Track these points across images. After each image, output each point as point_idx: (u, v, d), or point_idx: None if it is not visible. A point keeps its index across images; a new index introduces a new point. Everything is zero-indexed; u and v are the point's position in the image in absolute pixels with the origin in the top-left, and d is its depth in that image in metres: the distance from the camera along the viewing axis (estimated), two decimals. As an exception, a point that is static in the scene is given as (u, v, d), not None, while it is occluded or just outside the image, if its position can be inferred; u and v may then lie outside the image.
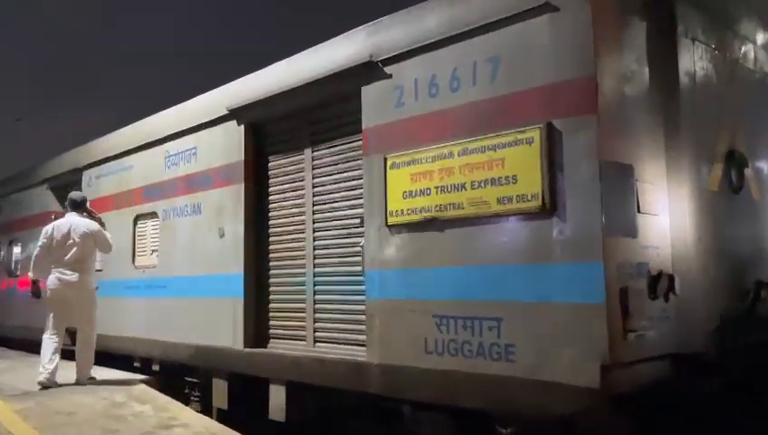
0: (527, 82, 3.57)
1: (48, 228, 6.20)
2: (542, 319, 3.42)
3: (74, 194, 6.51)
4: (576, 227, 3.31)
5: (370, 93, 4.48)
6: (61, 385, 6.00)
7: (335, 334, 4.88)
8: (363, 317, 4.56)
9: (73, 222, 6.17)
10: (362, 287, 4.57)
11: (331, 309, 4.93)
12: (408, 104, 4.21)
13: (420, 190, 4.07)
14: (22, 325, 9.55)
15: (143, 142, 7.02)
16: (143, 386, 6.05)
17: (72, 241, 6.06)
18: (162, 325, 6.47)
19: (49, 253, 6.09)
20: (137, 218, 7.10)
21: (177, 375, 6.48)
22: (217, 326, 5.71)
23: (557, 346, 3.35)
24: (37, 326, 6.74)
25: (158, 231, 6.74)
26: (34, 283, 6.33)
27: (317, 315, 5.04)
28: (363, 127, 4.53)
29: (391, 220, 4.23)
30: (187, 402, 6.36)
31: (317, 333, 5.02)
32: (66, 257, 6.02)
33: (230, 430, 4.74)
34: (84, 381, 6.17)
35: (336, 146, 4.99)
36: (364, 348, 4.52)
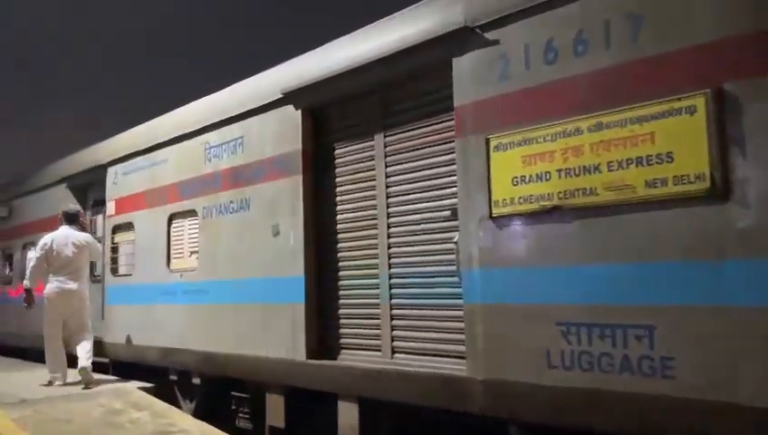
0: (685, 39, 2.94)
1: (46, 240, 6.46)
2: (713, 327, 2.79)
3: (69, 208, 6.84)
4: (763, 214, 2.69)
5: (465, 65, 3.86)
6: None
7: (419, 344, 4.26)
8: (458, 325, 3.94)
9: (70, 234, 6.52)
10: (456, 290, 3.95)
11: (412, 315, 4.31)
12: (516, 75, 3.59)
13: (536, 175, 3.45)
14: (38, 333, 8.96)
15: (179, 134, 6.39)
16: (141, 393, 5.95)
17: (70, 252, 6.40)
18: (204, 334, 5.85)
19: (45, 263, 6.38)
20: (172, 217, 6.48)
21: (222, 390, 5.86)
22: (272, 335, 5.09)
23: (735, 359, 2.73)
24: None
25: (197, 231, 6.11)
26: (28, 291, 6.54)
27: (395, 323, 4.41)
28: (456, 104, 3.91)
29: (497, 211, 3.60)
30: (233, 419, 5.75)
31: (396, 343, 4.40)
32: (66, 268, 6.37)
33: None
34: (93, 382, 6.30)
35: (416, 129, 4.37)
36: (461, 360, 3.90)
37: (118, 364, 7.34)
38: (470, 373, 3.71)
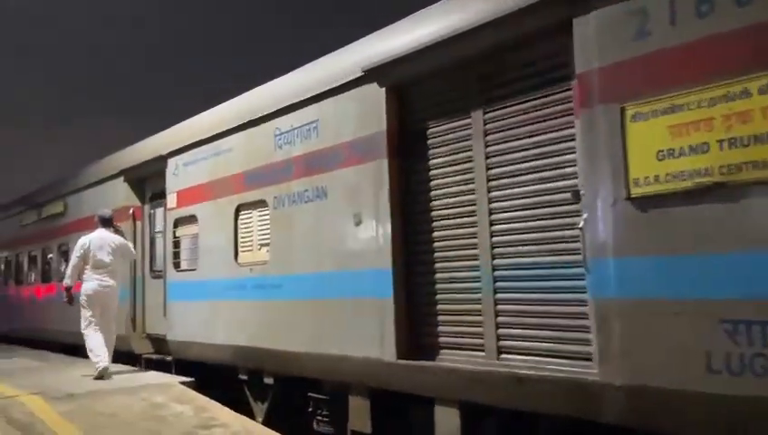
0: None
1: (84, 241, 6.98)
2: None
3: (103, 212, 7.37)
4: None
5: (590, 25, 3.37)
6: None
7: (530, 344, 3.80)
8: (581, 322, 3.47)
9: (106, 236, 7.09)
10: (578, 283, 3.48)
11: (521, 311, 3.85)
12: (658, 32, 3.09)
13: (690, 147, 2.94)
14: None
15: (245, 120, 6.05)
16: (182, 387, 6.00)
17: (106, 254, 6.96)
18: (277, 332, 5.51)
19: (83, 263, 6.92)
20: (239, 209, 6.15)
21: (298, 391, 5.51)
22: (356, 333, 4.70)
23: None
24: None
25: (268, 222, 5.76)
26: (68, 289, 7.02)
27: (501, 319, 3.96)
28: (578, 71, 3.42)
29: (638, 191, 3.11)
30: (310, 422, 5.39)
31: (502, 342, 3.94)
32: (103, 267, 6.92)
33: (269, 429, 4.78)
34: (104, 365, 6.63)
35: (523, 103, 3.89)
36: (586, 363, 3.43)
37: (181, 363, 7.08)
38: (604, 378, 3.23)
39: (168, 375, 6.77)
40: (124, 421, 4.83)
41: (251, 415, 5.99)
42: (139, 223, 8.13)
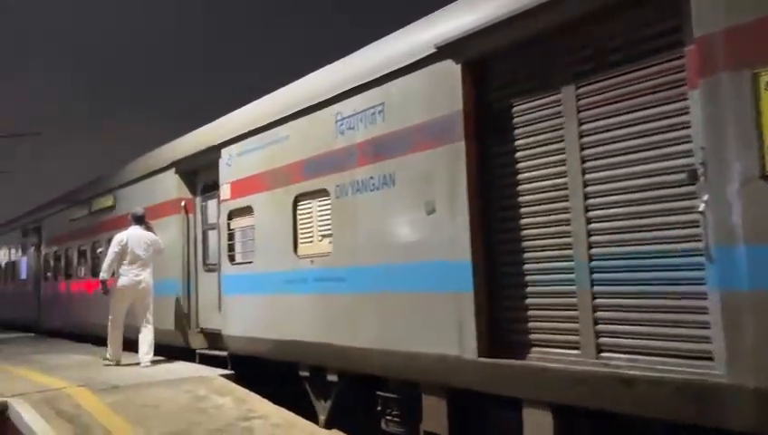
0: None
1: (121, 238, 7.45)
2: None
3: (136, 210, 7.89)
4: None
5: (712, -18, 2.97)
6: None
7: (637, 341, 3.44)
8: (698, 317, 3.11)
9: (141, 233, 7.59)
10: (697, 273, 3.11)
11: (625, 305, 3.49)
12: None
13: None
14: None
15: (303, 107, 5.79)
16: (223, 380, 6.07)
17: (142, 249, 7.42)
18: (341, 327, 5.25)
19: (120, 258, 7.33)
20: (297, 199, 5.91)
21: (364, 389, 5.25)
22: (432, 329, 4.40)
23: None
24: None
25: (329, 212, 5.50)
26: (104, 282, 7.52)
27: (599, 314, 3.60)
28: (696, 34, 3.03)
29: (775, 168, 2.72)
30: (378, 421, 5.12)
31: (602, 339, 3.59)
32: (139, 261, 7.37)
33: (308, 422, 4.84)
34: (148, 362, 7.19)
35: (623, 74, 3.51)
36: (707, 362, 3.07)
37: (237, 358, 6.90)
38: (733, 379, 2.86)
39: (208, 368, 6.80)
40: (168, 413, 4.91)
41: (313, 413, 5.78)
42: (190, 216, 7.98)
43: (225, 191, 7.05)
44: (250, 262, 6.59)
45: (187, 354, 7.84)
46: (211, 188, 7.71)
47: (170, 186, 8.26)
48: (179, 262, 7.99)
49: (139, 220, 7.72)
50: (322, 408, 5.75)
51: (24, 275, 15.75)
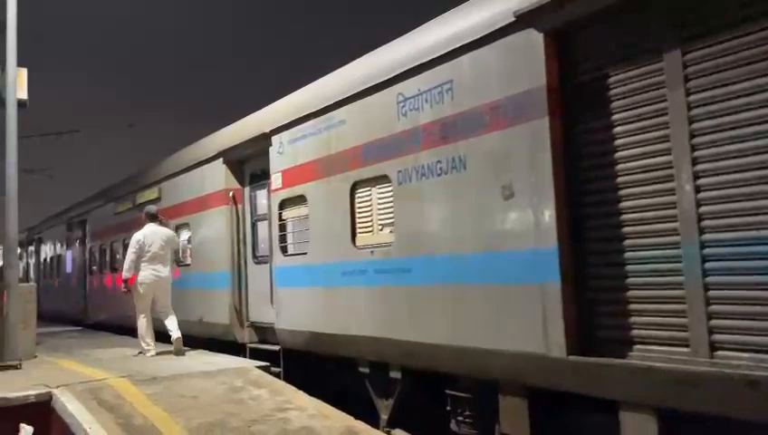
0: None
1: (139, 237, 7.61)
2: None
3: (149, 209, 8.13)
4: None
5: None
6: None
7: (761, 338, 3.02)
8: None
9: (157, 230, 7.75)
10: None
11: (747, 298, 3.08)
12: None
13: None
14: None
15: (361, 89, 5.48)
16: (259, 371, 6.12)
17: (159, 246, 7.60)
18: (405, 321, 4.95)
19: (139, 257, 7.53)
20: (355, 186, 5.61)
21: (431, 386, 4.94)
22: (508, 324, 4.06)
23: None
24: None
25: (390, 199, 5.19)
26: (126, 281, 7.66)
27: (714, 308, 3.20)
28: None
29: None
30: (447, 421, 4.80)
31: (717, 336, 3.19)
32: (157, 258, 7.59)
33: (343, 413, 4.77)
34: (183, 351, 7.46)
35: (741, 36, 3.08)
36: None
37: (290, 354, 6.65)
38: None
39: (244, 359, 6.88)
40: (206, 403, 4.99)
41: (373, 411, 5.50)
42: (239, 207, 7.77)
43: (276, 180, 6.81)
44: (304, 253, 6.33)
45: (236, 349, 7.65)
46: (260, 177, 7.49)
47: (218, 176, 8.07)
48: (228, 254, 7.80)
49: (153, 217, 7.92)
50: (384, 406, 5.46)
51: (69, 269, 15.80)
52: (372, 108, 5.36)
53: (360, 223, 5.60)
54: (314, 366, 6.67)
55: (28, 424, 4.70)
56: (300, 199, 6.41)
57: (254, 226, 7.68)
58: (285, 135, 6.61)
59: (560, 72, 3.89)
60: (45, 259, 18.53)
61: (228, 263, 7.80)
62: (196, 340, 8.35)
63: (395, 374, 5.25)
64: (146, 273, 7.52)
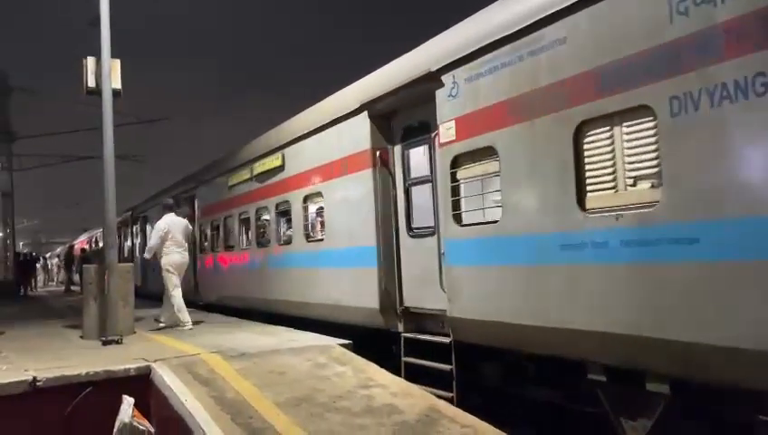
0: None
1: (163, 226, 8.52)
2: None
3: (167, 201, 9.19)
4: None
5: None
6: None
7: None
8: None
9: (176, 219, 8.76)
10: None
11: None
12: None
13: None
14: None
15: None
16: (341, 349, 6.14)
17: (182, 233, 8.67)
18: (680, 313, 3.45)
19: (163, 242, 8.48)
20: (582, 127, 4.08)
21: (723, 408, 3.39)
22: None
23: None
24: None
25: (652, 141, 3.63)
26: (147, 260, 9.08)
27: None
28: None
29: None
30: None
31: None
32: (180, 244, 8.62)
33: (425, 392, 4.82)
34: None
35: None
36: None
37: (467, 347, 5.30)
38: None
39: (324, 337, 6.84)
40: (292, 379, 5.13)
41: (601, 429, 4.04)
42: (387, 169, 6.45)
43: (446, 132, 5.40)
44: (493, 222, 4.90)
45: (380, 340, 6.41)
46: (417, 131, 6.12)
47: (360, 134, 6.78)
48: (374, 226, 6.50)
49: (171, 208, 8.90)
50: (633, 428, 3.96)
51: None
52: (617, 13, 3.79)
53: (590, 178, 4.08)
54: (499, 364, 5.32)
55: (129, 396, 4.84)
56: (485, 153, 4.98)
57: (407, 191, 6.34)
58: (461, 72, 5.16)
59: None
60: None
61: (374, 236, 6.50)
62: (331, 326, 7.20)
63: (656, 387, 3.74)
64: (173, 256, 8.50)
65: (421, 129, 5.99)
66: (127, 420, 4.61)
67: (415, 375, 5.72)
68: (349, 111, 6.94)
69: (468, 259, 5.17)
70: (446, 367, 5.49)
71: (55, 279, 38.23)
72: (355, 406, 4.43)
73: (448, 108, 5.35)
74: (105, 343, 7.06)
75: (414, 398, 4.63)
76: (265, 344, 6.58)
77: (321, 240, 7.86)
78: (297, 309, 8.39)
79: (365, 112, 6.63)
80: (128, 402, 4.74)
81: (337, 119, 7.27)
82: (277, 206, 9.24)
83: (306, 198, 8.26)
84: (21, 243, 45.19)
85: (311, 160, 8.04)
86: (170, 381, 5.05)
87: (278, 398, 4.60)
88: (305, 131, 8.15)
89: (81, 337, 7.73)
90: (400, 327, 6.32)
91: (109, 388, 5.18)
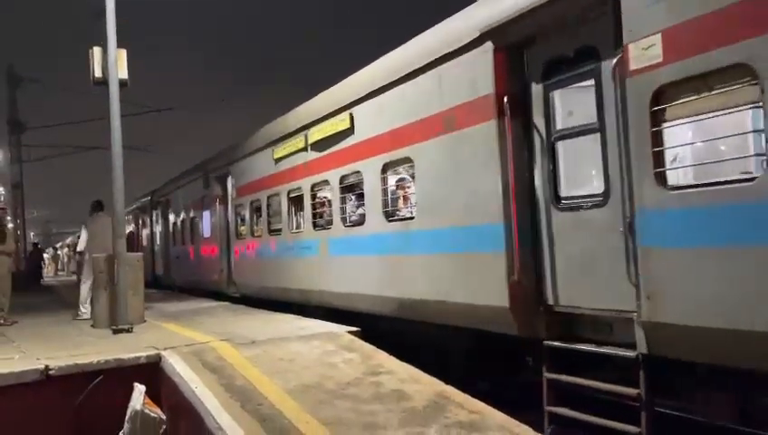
0: None
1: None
2: None
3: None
4: None
5: None
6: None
7: None
8: None
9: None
10: None
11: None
12: None
13: None
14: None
15: None
16: (350, 336, 6.42)
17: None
18: None
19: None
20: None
21: None
22: None
23: None
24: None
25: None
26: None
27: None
28: None
29: None
30: None
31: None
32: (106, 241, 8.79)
33: (433, 378, 4.92)
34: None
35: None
36: None
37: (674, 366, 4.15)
38: None
39: (332, 324, 7.17)
40: (301, 366, 5.31)
41: None
42: (515, 121, 5.06)
43: (642, 53, 3.96)
44: (745, 181, 3.52)
45: (509, 345, 5.47)
46: (570, 63, 4.74)
47: (477, 75, 5.35)
48: (499, 197, 5.19)
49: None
50: None
51: (207, 233, 13.56)
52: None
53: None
54: (731, 390, 4.02)
55: (140, 384, 5.09)
56: (730, 74, 3.49)
57: (552, 148, 4.96)
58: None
59: None
60: (175, 223, 16.65)
61: (500, 211, 5.17)
62: (428, 327, 6.14)
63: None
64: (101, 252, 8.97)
65: (579, 59, 4.61)
66: (138, 407, 4.78)
67: (559, 397, 4.76)
68: (460, 45, 5.52)
69: (681, 239, 3.74)
70: (632, 391, 4.19)
71: (65, 269, 38.62)
72: (363, 392, 4.66)
73: (649, 17, 3.92)
74: (116, 332, 7.40)
75: (422, 384, 4.85)
76: (274, 332, 6.90)
77: (411, 219, 6.61)
78: (372, 304, 7.19)
79: (487, 44, 5.18)
80: (139, 390, 4.94)
81: (437, 60, 5.86)
82: (342, 179, 7.86)
83: (386, 167, 6.96)
84: (32, 233, 45.75)
85: (393, 119, 6.69)
86: (180, 368, 5.29)
87: (287, 385, 4.83)
88: (385, 82, 6.82)
89: (93, 326, 8.15)
90: (542, 333, 4.97)
91: (119, 376, 5.43)
